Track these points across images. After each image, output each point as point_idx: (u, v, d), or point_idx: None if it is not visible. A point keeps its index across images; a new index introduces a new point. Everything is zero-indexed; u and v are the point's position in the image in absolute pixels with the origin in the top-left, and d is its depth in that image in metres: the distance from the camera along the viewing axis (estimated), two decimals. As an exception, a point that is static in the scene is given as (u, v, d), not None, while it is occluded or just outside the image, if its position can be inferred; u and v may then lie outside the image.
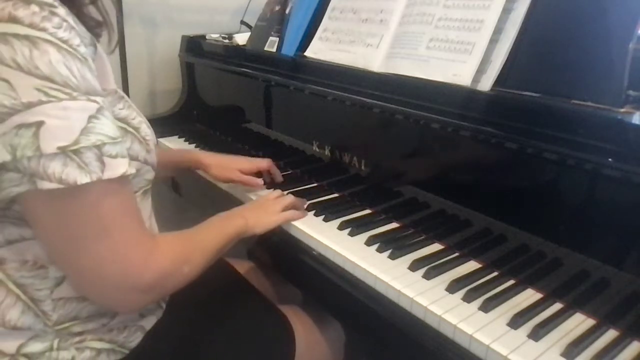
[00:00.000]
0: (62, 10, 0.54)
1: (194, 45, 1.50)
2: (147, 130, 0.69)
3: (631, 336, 0.65)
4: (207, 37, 1.49)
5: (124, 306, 0.66)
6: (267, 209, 0.91)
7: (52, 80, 0.52)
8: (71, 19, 0.55)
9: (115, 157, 0.56)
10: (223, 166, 1.06)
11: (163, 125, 1.48)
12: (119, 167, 0.57)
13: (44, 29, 0.52)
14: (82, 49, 0.56)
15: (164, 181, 1.33)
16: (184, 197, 1.38)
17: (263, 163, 1.09)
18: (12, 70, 0.50)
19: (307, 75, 1.08)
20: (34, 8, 0.52)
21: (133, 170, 0.60)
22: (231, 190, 1.10)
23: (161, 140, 1.43)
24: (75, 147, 0.53)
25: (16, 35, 0.51)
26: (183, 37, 1.53)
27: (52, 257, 0.62)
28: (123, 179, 0.58)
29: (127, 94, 1.45)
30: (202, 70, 1.50)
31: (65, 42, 0.53)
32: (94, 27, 0.64)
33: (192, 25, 1.59)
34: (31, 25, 0.51)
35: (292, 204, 0.94)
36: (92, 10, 0.63)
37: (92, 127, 0.54)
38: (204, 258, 0.72)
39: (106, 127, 0.56)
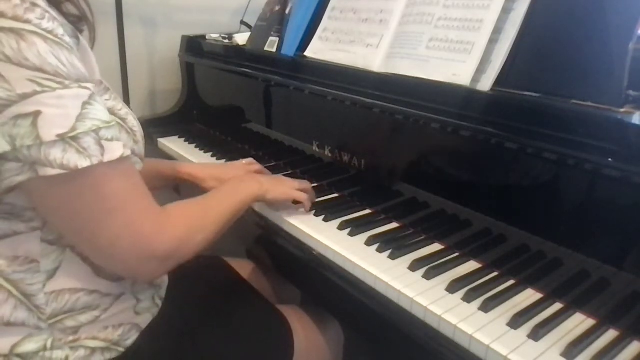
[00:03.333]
0: (42, 2, 0.55)
1: (194, 46, 1.49)
2: (134, 121, 0.70)
3: (631, 336, 0.65)
4: (207, 37, 1.48)
5: (145, 275, 0.69)
6: (283, 182, 0.94)
7: (43, 71, 0.53)
8: (52, 11, 0.56)
9: (111, 140, 0.58)
10: (217, 178, 1.00)
11: (163, 125, 1.48)
12: (117, 149, 0.59)
13: (28, 21, 0.53)
14: (67, 39, 0.57)
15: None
16: (184, 197, 1.37)
17: (255, 168, 1.05)
18: (2, 63, 0.51)
19: (307, 75, 1.08)
20: (15, 1, 0.52)
21: (129, 152, 0.62)
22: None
23: (161, 140, 1.43)
24: (73, 134, 0.54)
25: (1, 29, 0.51)
26: (183, 37, 1.53)
27: (68, 239, 0.64)
28: (123, 160, 0.60)
29: (127, 94, 1.45)
30: (202, 70, 1.50)
31: (50, 32, 0.54)
32: (75, 22, 0.65)
33: (192, 25, 1.59)
34: (15, 18, 0.52)
35: (306, 188, 0.96)
36: (70, 7, 0.64)
37: (86, 113, 0.56)
38: (217, 225, 0.74)
39: (100, 112, 0.58)
